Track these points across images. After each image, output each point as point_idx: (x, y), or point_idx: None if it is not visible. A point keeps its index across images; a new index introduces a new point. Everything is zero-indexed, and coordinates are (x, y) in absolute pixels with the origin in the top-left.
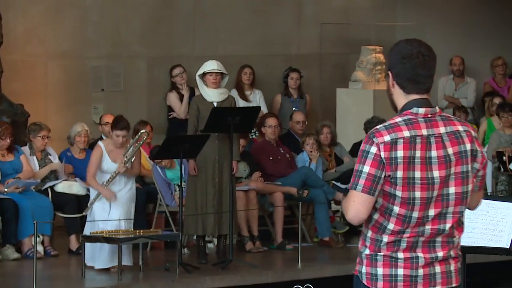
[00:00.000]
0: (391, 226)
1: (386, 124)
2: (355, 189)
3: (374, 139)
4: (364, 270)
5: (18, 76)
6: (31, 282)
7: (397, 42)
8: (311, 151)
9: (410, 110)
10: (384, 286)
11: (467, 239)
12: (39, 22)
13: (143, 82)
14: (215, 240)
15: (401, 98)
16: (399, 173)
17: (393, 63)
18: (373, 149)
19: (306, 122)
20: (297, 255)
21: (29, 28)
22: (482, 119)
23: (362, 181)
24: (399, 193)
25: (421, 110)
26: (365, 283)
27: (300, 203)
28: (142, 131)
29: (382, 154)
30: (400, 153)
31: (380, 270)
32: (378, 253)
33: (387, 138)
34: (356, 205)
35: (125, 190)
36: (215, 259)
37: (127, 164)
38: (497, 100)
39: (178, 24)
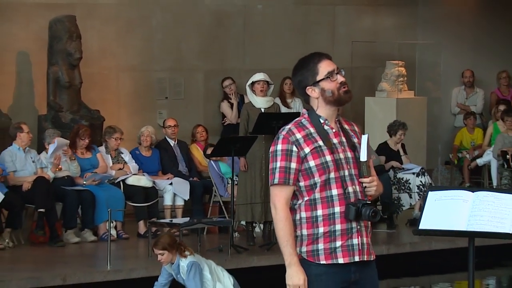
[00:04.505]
0: None
1: None
2: None
3: None
4: None
5: (95, 86)
6: (105, 261)
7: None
8: None
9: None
10: None
11: (476, 225)
12: (112, 40)
13: (200, 91)
14: (261, 225)
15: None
16: None
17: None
18: None
19: None
20: None
21: (104, 45)
22: (489, 122)
23: None
24: None
25: None
26: None
27: None
28: None
29: None
30: None
31: None
32: None
33: None
34: None
35: None
36: (262, 242)
37: None
38: (501, 107)
39: (231, 41)
